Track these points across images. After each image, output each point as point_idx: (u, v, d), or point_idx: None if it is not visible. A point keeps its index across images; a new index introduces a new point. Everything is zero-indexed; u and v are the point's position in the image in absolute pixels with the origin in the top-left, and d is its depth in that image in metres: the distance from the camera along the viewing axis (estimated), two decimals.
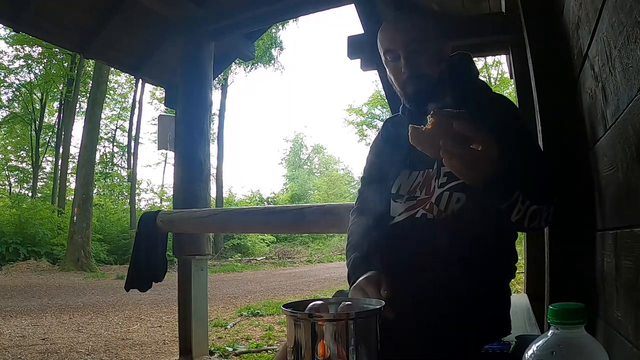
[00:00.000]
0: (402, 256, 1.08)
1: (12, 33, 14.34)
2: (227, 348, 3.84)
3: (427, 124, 0.86)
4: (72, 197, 13.74)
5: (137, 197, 17.90)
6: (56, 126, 18.29)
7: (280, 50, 18.57)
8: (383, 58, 1.22)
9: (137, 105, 18.66)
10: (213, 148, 15.19)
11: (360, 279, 0.99)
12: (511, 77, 3.66)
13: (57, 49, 14.68)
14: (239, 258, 14.92)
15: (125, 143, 20.28)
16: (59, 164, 15.90)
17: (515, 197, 0.92)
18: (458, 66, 1.22)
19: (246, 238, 16.19)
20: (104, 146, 20.80)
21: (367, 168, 1.34)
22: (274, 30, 17.08)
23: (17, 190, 19.39)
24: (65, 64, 16.26)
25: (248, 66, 17.51)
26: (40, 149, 18.59)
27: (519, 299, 2.21)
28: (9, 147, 19.28)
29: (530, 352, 0.55)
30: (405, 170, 1.19)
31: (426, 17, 1.22)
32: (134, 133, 18.69)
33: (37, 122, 18.21)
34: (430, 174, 1.14)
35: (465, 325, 0.98)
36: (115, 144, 21.29)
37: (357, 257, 1.13)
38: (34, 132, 18.30)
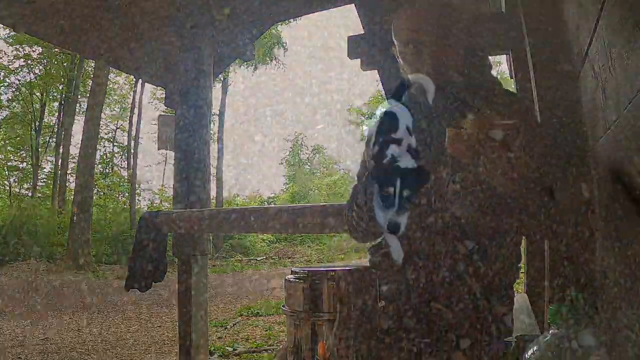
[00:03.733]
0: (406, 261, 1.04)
1: (12, 33, 14.33)
2: (227, 348, 3.84)
3: (463, 127, 0.81)
4: (72, 197, 13.73)
5: (137, 197, 17.87)
6: (56, 126, 18.27)
7: (284, 51, 18.58)
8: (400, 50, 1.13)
9: (137, 105, 18.67)
10: (213, 148, 15.21)
11: None
12: (511, 77, 3.66)
13: (57, 49, 14.66)
14: (239, 258, 14.90)
15: (125, 143, 20.27)
16: (59, 164, 15.89)
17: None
18: (478, 67, 1.16)
19: (246, 238, 16.15)
20: (104, 146, 20.73)
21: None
22: (275, 32, 17.04)
23: (17, 190, 19.34)
24: (65, 64, 16.23)
25: (252, 64, 17.45)
26: (40, 149, 18.54)
27: (519, 299, 2.21)
28: (9, 147, 19.24)
29: (530, 352, 0.55)
30: None
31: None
32: (134, 133, 18.70)
33: (37, 122, 18.17)
34: (442, 178, 1.07)
35: (470, 327, 0.97)
36: (115, 144, 21.25)
37: None
38: (34, 132, 18.27)
